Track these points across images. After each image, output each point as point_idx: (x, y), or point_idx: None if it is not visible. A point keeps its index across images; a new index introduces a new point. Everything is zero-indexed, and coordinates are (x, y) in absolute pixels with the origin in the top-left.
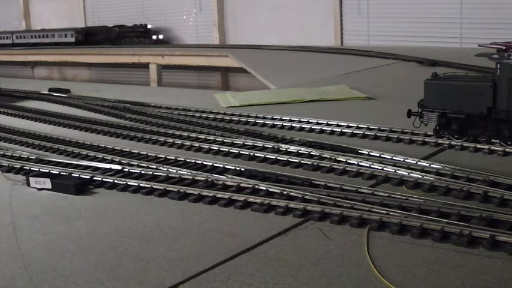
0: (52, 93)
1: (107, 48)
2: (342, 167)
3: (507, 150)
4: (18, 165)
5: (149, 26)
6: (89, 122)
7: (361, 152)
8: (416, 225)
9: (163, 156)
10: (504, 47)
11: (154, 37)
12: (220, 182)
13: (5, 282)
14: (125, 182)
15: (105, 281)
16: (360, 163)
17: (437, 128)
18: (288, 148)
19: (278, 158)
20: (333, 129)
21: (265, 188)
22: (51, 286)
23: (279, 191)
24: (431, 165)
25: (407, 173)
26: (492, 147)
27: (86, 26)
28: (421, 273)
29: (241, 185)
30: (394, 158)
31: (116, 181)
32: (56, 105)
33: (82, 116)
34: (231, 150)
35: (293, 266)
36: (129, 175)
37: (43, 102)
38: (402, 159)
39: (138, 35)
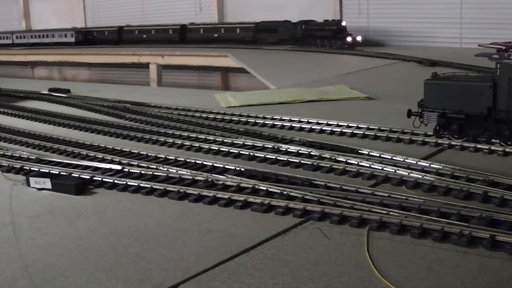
0: (52, 93)
1: (107, 48)
2: (342, 167)
3: (507, 150)
4: (18, 165)
5: (344, 23)
6: (89, 122)
7: (361, 152)
8: (416, 225)
9: (163, 156)
10: (504, 47)
11: (349, 39)
12: (220, 182)
13: (5, 283)
14: (124, 182)
15: (105, 281)
16: (360, 163)
17: (437, 128)
18: (288, 148)
19: (278, 158)
20: (333, 129)
21: (265, 188)
22: (51, 286)
23: (279, 191)
24: (431, 165)
25: (407, 173)
26: (492, 147)
27: (261, 20)
28: (421, 273)
29: (241, 185)
30: (394, 158)
31: (116, 181)
32: (56, 105)
33: (82, 116)
34: (231, 150)
35: (293, 266)
36: (129, 175)
37: (43, 102)
38: (402, 159)
39: (328, 35)
